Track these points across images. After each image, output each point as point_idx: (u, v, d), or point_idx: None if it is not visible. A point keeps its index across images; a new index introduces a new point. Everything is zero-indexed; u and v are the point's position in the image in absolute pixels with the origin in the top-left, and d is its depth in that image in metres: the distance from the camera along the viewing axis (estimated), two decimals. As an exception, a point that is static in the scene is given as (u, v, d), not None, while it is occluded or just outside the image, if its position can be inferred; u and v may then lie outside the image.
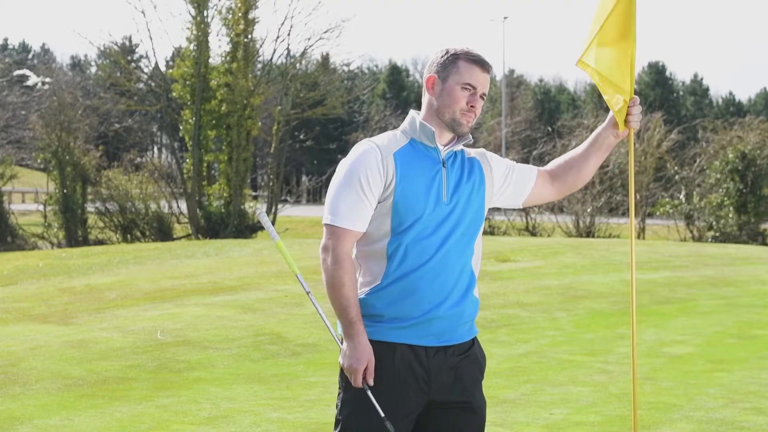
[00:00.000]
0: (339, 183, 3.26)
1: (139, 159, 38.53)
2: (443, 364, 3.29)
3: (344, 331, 3.24)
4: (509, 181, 3.50)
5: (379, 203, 3.26)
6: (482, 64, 3.33)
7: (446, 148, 3.35)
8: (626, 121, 3.55)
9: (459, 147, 3.38)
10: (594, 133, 3.59)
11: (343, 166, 3.29)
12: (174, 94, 32.20)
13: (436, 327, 3.28)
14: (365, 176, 3.23)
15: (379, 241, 3.27)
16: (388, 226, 3.26)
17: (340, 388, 3.34)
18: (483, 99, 3.35)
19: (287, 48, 33.78)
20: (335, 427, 3.32)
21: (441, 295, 3.28)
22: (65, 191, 31.67)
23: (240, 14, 31.35)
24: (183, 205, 32.97)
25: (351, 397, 3.28)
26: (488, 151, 3.55)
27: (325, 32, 33.43)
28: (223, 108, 31.33)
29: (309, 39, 33.45)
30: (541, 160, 32.14)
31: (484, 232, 29.53)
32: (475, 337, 3.48)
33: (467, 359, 3.38)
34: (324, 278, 3.26)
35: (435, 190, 3.28)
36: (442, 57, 3.35)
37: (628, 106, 3.56)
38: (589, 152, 3.57)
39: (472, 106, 3.31)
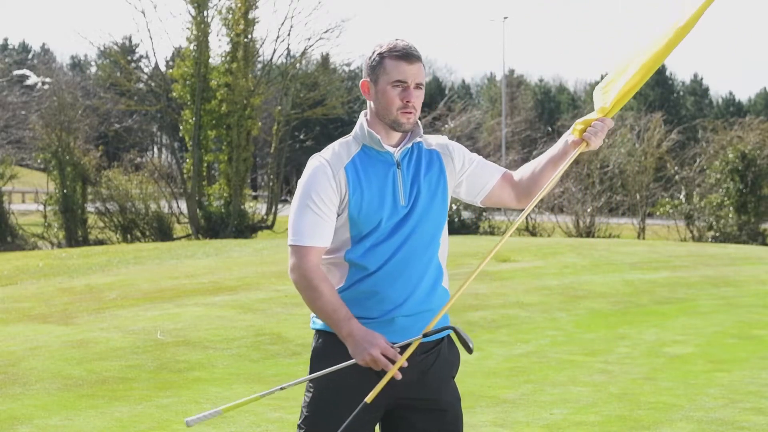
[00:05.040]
0: (296, 204, 3.30)
1: (139, 159, 38.49)
2: (407, 362, 3.26)
3: (342, 333, 3.22)
4: (467, 174, 3.46)
5: (337, 216, 3.29)
6: (407, 57, 3.27)
7: (399, 148, 3.33)
8: (583, 131, 3.40)
9: (413, 141, 3.35)
10: (559, 141, 3.49)
11: (299, 186, 3.32)
12: (174, 94, 32.21)
13: (399, 324, 3.28)
14: (318, 195, 3.25)
15: (339, 250, 3.31)
16: (346, 236, 3.29)
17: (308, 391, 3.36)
18: (420, 88, 3.29)
19: (287, 48, 33.81)
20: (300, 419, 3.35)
21: (404, 294, 3.28)
22: (65, 191, 31.66)
23: (240, 14, 31.35)
24: (183, 205, 32.97)
25: (317, 395, 3.31)
26: (465, 144, 3.52)
27: (325, 32, 33.48)
28: (223, 108, 31.34)
29: (309, 39, 33.49)
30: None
31: (484, 232, 29.51)
32: (446, 336, 3.44)
33: (433, 356, 3.35)
34: (303, 296, 3.28)
35: (390, 194, 3.28)
36: (370, 59, 3.32)
37: (596, 119, 3.39)
38: (549, 162, 3.45)
39: (407, 102, 3.26)
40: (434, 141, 3.43)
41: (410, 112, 3.27)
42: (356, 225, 3.27)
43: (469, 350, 3.18)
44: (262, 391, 3.41)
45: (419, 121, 3.37)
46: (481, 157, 3.53)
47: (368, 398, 3.14)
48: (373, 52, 3.32)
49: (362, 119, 3.36)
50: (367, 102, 3.37)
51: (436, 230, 3.36)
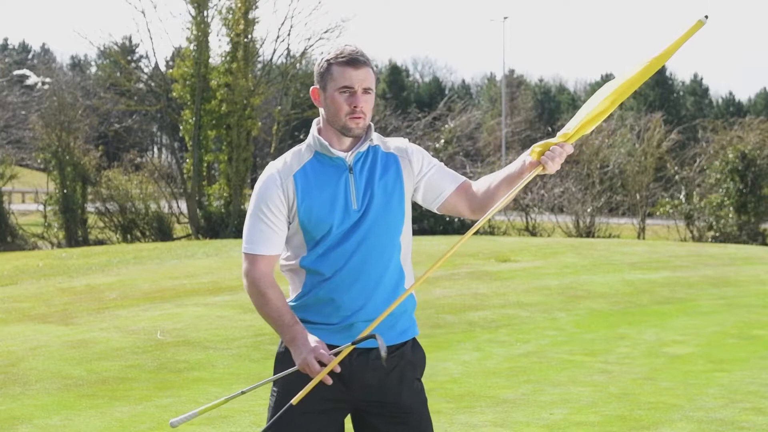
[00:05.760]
0: (249, 212, 3.38)
1: (139, 159, 38.49)
2: (365, 366, 3.30)
3: (285, 338, 3.29)
4: (425, 179, 3.44)
5: (289, 224, 3.34)
6: (353, 63, 3.27)
7: (351, 152, 3.34)
8: (542, 154, 3.29)
9: (367, 145, 3.36)
10: (518, 160, 3.41)
11: (252, 195, 3.39)
12: (174, 94, 32.21)
13: (359, 330, 3.29)
14: (266, 205, 3.32)
15: (296, 257, 3.37)
16: (301, 242, 3.34)
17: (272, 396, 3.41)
18: (369, 93, 3.30)
19: (287, 48, 33.81)
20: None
21: (361, 300, 3.30)
22: (65, 191, 31.66)
23: (240, 14, 31.35)
24: (183, 205, 32.97)
25: (279, 399, 3.35)
26: (416, 147, 3.45)
27: (325, 32, 33.48)
28: (223, 108, 31.33)
29: (309, 39, 33.49)
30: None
31: (484, 232, 29.50)
32: (411, 339, 3.44)
33: (395, 359, 3.36)
34: (252, 302, 3.37)
35: (342, 199, 3.30)
36: (319, 66, 3.34)
37: (555, 144, 3.29)
38: (504, 179, 3.38)
39: (355, 107, 3.27)
40: (393, 144, 3.44)
41: (359, 117, 3.29)
42: (308, 231, 3.31)
43: (382, 361, 3.18)
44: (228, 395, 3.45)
45: (372, 124, 3.38)
46: (441, 163, 3.51)
47: (294, 401, 3.19)
48: (321, 59, 3.34)
49: (314, 127, 3.39)
50: (319, 109, 3.39)
51: (394, 233, 3.36)
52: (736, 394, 7.20)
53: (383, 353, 3.13)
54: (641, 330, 10.03)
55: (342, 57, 3.28)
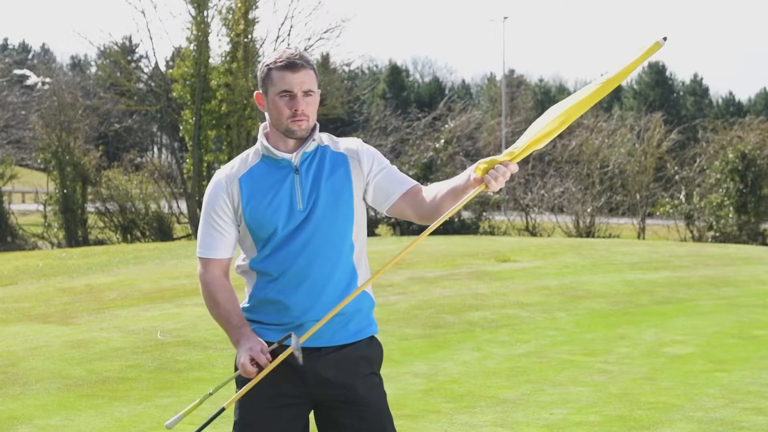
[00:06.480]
0: (201, 218, 3.46)
1: (139, 159, 38.50)
2: (318, 362, 3.34)
3: (233, 340, 3.35)
4: (375, 181, 3.44)
5: (238, 226, 3.41)
6: (291, 66, 3.31)
7: (297, 153, 3.36)
8: (486, 171, 3.22)
9: (315, 145, 3.38)
10: (464, 173, 3.34)
11: (203, 200, 3.48)
12: (174, 94, 32.21)
13: (308, 329, 3.29)
14: (214, 210, 3.40)
15: (248, 258, 3.43)
16: (251, 244, 3.40)
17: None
18: (310, 95, 3.32)
19: (287, 48, 33.82)
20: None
21: (309, 300, 3.33)
22: (65, 191, 31.66)
23: (240, 14, 31.36)
24: (183, 205, 32.97)
25: (243, 399, 3.39)
26: (372, 148, 3.47)
27: (325, 32, 33.52)
28: (223, 108, 31.34)
29: (309, 39, 33.52)
30: (541, 161, 32.13)
31: (484, 232, 29.48)
32: (369, 336, 3.46)
33: (348, 353, 3.39)
34: (205, 304, 3.45)
35: (287, 200, 3.33)
36: (261, 72, 3.39)
37: (500, 162, 3.22)
38: (449, 192, 3.31)
39: (296, 110, 3.30)
40: (344, 145, 3.45)
41: (301, 120, 3.32)
42: (255, 233, 3.36)
43: (298, 360, 3.20)
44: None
45: (318, 124, 3.40)
46: (394, 166, 3.51)
47: (226, 405, 3.28)
48: (262, 64, 3.39)
49: (261, 131, 3.44)
50: (265, 113, 3.42)
51: (344, 233, 3.37)
52: (736, 394, 7.20)
53: (297, 354, 3.18)
54: (641, 330, 10.03)
55: (280, 61, 3.32)
